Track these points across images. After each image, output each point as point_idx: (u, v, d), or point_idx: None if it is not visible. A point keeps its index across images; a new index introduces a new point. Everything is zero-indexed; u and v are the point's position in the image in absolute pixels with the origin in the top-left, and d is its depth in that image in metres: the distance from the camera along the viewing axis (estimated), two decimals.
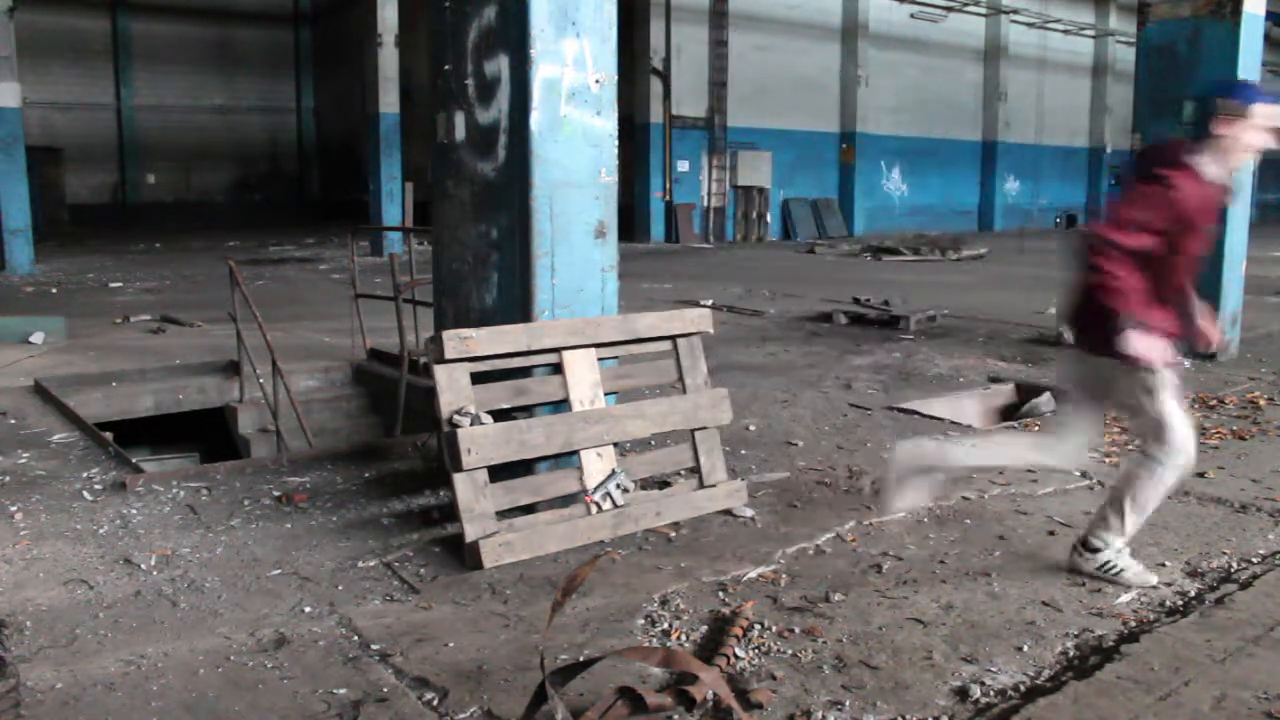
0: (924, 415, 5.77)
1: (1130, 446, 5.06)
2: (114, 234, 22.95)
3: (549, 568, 3.55)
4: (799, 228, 23.44)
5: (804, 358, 7.61)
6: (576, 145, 4.08)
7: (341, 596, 3.29)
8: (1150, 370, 3.15)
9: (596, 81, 4.10)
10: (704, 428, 4.24)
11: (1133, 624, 3.09)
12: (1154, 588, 3.35)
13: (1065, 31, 28.26)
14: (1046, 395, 6.38)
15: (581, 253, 4.13)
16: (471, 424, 3.64)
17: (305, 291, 12.44)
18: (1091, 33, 29.13)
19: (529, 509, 3.82)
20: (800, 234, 23.25)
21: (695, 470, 4.20)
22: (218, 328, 8.62)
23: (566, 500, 3.87)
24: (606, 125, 4.16)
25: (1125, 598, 3.28)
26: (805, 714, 2.56)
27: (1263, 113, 3.16)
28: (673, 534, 3.90)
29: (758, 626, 3.04)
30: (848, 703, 2.61)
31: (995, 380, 6.85)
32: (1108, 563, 3.36)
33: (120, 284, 13.03)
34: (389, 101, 17.63)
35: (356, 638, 2.99)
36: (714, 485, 4.16)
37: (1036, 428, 5.52)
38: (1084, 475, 4.59)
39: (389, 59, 17.45)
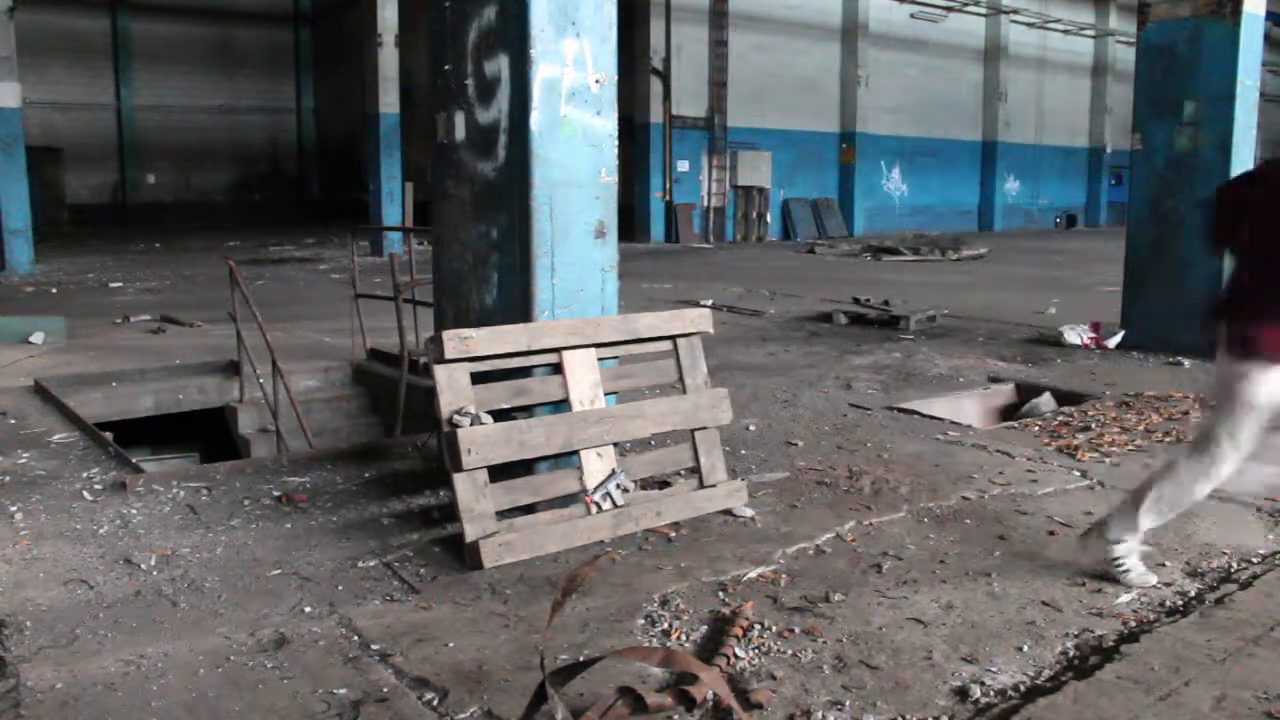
0: (924, 415, 5.77)
1: (1134, 446, 5.07)
2: (114, 234, 22.95)
3: (549, 568, 3.55)
4: (799, 228, 23.45)
5: (804, 358, 7.61)
6: (576, 145, 4.08)
7: (341, 596, 3.29)
8: (1261, 368, 3.10)
9: (596, 81, 4.10)
10: (704, 428, 4.24)
11: (1133, 624, 3.09)
12: (1155, 587, 3.35)
13: (1065, 31, 28.28)
14: (1046, 395, 6.38)
15: (581, 253, 4.13)
16: (471, 424, 3.64)
17: (305, 291, 12.44)
18: (1091, 33, 29.15)
19: (529, 509, 3.82)
20: (800, 234, 23.26)
21: (695, 470, 4.20)
22: (218, 328, 8.62)
23: (566, 500, 3.87)
24: (606, 125, 4.16)
25: (1125, 598, 3.28)
26: (805, 714, 2.56)
27: None
28: (673, 534, 3.90)
29: (758, 626, 3.04)
30: (848, 703, 2.61)
31: (995, 380, 6.85)
32: (1120, 558, 3.36)
33: (120, 284, 13.03)
34: (389, 101, 17.64)
35: (356, 638, 2.98)
36: (714, 485, 4.16)
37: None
38: (1083, 475, 4.60)
39: (389, 59, 17.46)
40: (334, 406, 7.47)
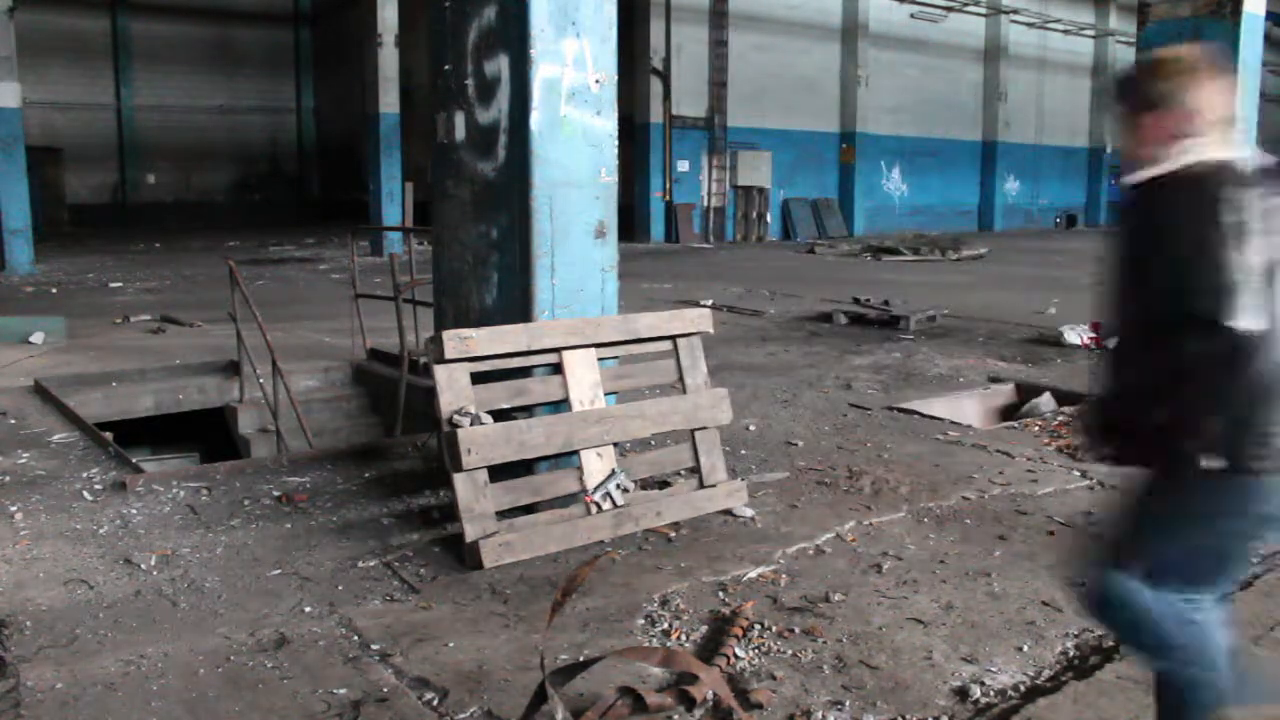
0: (924, 415, 5.77)
1: None
2: (114, 234, 22.93)
3: (549, 568, 3.55)
4: (799, 228, 23.44)
5: (804, 358, 7.61)
6: (576, 145, 4.08)
7: (341, 596, 3.29)
8: None
9: (596, 81, 4.10)
10: (704, 428, 4.24)
11: None
12: None
13: (1065, 31, 28.26)
14: (1046, 395, 6.38)
15: (581, 253, 4.13)
16: (471, 424, 3.64)
17: (305, 291, 12.43)
18: (1091, 33, 29.13)
19: (529, 509, 3.82)
20: (800, 234, 23.25)
21: (695, 470, 4.20)
22: (218, 328, 8.62)
23: (566, 500, 3.87)
24: (606, 125, 4.16)
25: None
26: (805, 714, 2.56)
27: None
28: (673, 534, 3.90)
29: (758, 626, 3.04)
30: (848, 703, 2.61)
31: (995, 380, 6.85)
32: None
33: (120, 284, 13.03)
34: (389, 101, 17.63)
35: (356, 638, 2.99)
36: (714, 485, 4.16)
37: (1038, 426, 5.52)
38: (1083, 475, 4.60)
39: (389, 59, 17.45)
40: (334, 406, 7.47)
